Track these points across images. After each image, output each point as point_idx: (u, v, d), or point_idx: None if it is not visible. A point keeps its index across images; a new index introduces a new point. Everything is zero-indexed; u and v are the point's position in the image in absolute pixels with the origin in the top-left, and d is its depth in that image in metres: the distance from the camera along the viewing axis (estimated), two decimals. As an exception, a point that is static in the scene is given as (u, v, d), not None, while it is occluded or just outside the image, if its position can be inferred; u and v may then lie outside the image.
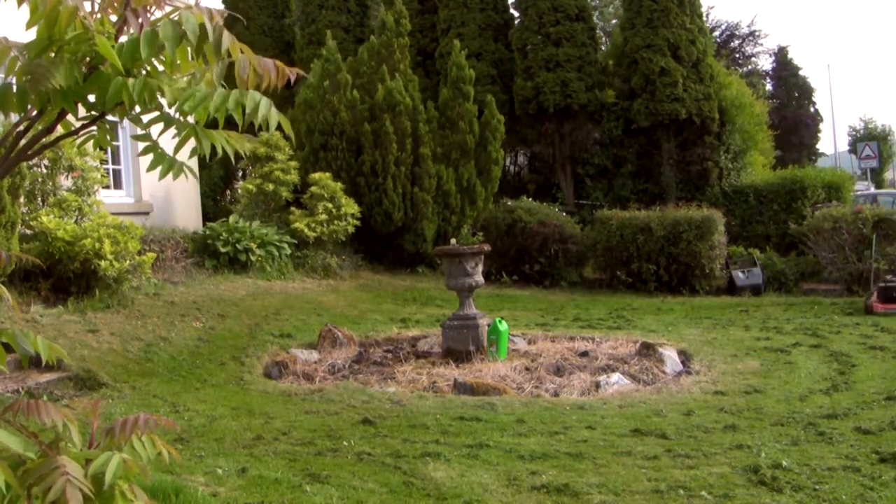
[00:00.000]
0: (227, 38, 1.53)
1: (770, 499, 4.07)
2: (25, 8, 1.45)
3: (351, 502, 4.14)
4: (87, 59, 1.46)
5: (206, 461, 4.74)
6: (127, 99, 1.44)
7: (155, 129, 1.78)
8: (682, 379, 7.03)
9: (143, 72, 1.53)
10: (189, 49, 1.50)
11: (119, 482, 1.79)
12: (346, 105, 13.64)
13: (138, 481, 1.93)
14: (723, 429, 5.35)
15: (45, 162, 9.14)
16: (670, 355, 7.62)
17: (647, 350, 7.70)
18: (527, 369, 7.31)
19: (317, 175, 12.68)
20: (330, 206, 12.47)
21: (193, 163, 1.93)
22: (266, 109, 1.64)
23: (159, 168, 1.72)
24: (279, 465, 4.67)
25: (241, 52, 1.58)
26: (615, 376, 6.89)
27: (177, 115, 1.68)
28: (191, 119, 1.70)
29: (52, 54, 1.43)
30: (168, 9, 1.56)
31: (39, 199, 9.21)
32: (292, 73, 1.69)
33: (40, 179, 9.17)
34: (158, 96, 1.55)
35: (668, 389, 6.63)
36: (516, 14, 18.82)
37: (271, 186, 12.41)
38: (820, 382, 6.72)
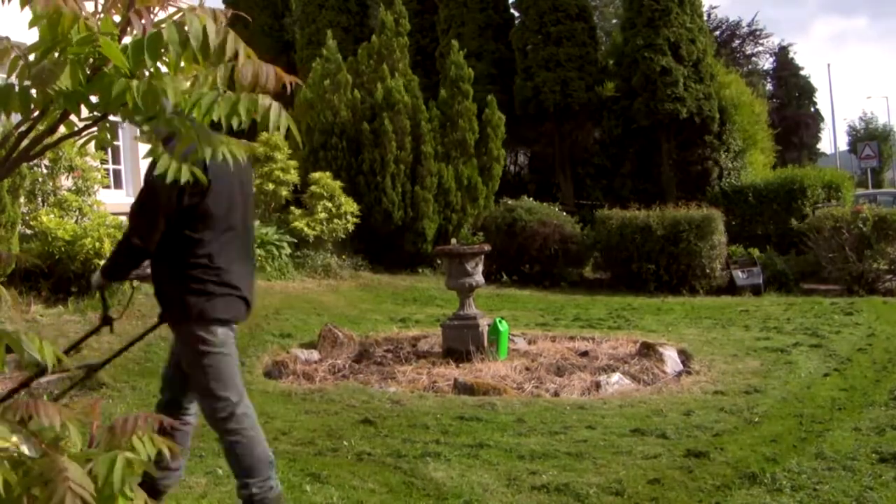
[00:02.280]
0: (232, 40, 1.53)
1: (770, 498, 4.07)
2: (28, 8, 1.45)
3: (351, 502, 4.14)
4: (91, 60, 1.46)
5: (206, 461, 4.75)
6: (131, 101, 1.44)
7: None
8: (682, 379, 7.03)
9: (147, 74, 1.53)
10: (194, 53, 1.50)
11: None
12: (347, 104, 13.65)
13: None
14: (722, 429, 5.35)
15: (46, 162, 9.15)
16: (670, 355, 7.62)
17: (648, 350, 7.70)
18: (527, 369, 7.31)
19: (316, 174, 12.69)
20: (329, 205, 12.48)
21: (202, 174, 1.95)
22: (277, 114, 1.64)
23: (168, 175, 1.73)
24: (279, 465, 4.67)
25: (248, 56, 1.58)
26: (615, 376, 6.89)
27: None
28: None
29: (57, 55, 1.43)
30: (172, 10, 1.56)
31: (39, 198, 9.21)
32: (290, 80, 1.69)
33: (41, 179, 9.17)
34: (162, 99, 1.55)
35: (669, 389, 6.63)
36: (516, 14, 18.83)
37: (271, 186, 12.41)
38: (820, 382, 6.73)
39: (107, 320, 3.77)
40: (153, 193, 3.41)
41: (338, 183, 12.73)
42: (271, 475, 3.59)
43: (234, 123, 1.64)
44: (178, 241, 3.48)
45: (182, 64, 1.50)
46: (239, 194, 3.63)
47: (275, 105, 1.64)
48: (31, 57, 1.48)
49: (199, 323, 3.54)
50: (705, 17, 19.33)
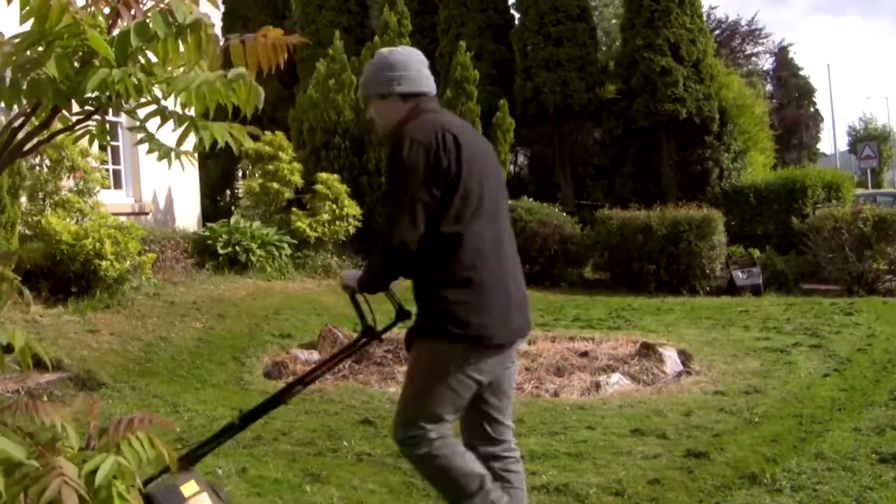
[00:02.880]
0: (204, 21, 1.53)
1: (770, 498, 4.06)
2: (16, 4, 1.45)
3: (351, 502, 4.13)
4: (80, 53, 1.46)
5: (205, 461, 4.73)
6: (111, 88, 1.43)
7: (154, 126, 1.77)
8: (682, 379, 7.02)
9: (138, 65, 1.53)
10: (178, 39, 1.50)
11: (116, 483, 1.78)
12: (351, 104, 13.66)
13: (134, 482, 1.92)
14: (722, 429, 5.35)
15: (48, 162, 9.15)
16: (670, 355, 7.61)
17: (647, 350, 7.69)
18: (527, 369, 7.30)
19: (324, 175, 12.67)
20: (334, 206, 12.48)
21: (194, 159, 1.93)
22: (246, 80, 1.63)
23: (163, 163, 1.72)
24: (279, 466, 4.67)
25: (209, 35, 1.57)
26: (615, 376, 6.88)
27: (176, 108, 1.67)
28: (190, 112, 1.69)
29: (42, 48, 1.43)
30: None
31: (41, 199, 9.21)
32: (291, 40, 1.68)
33: (42, 180, 9.17)
34: (154, 89, 1.55)
35: (668, 389, 6.62)
36: (517, 14, 18.82)
37: (276, 185, 12.40)
38: (820, 382, 6.72)
39: (368, 332, 3.37)
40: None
41: (343, 186, 12.72)
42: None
43: (227, 99, 1.63)
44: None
45: (170, 54, 1.50)
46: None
47: (246, 72, 1.63)
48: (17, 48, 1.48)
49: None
50: (705, 18, 19.32)
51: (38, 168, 9.05)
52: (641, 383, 6.90)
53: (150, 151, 1.67)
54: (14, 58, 1.42)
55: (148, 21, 1.42)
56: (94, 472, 1.71)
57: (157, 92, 1.61)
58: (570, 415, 5.79)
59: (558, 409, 5.97)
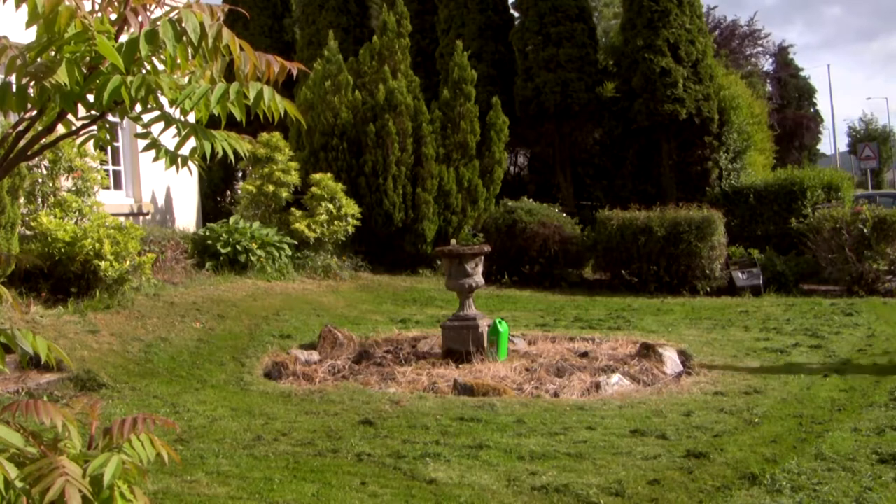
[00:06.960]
0: (227, 35, 1.53)
1: (770, 499, 4.07)
2: (24, 8, 1.45)
3: (351, 503, 4.14)
4: (87, 59, 1.46)
5: (206, 462, 4.74)
6: (126, 96, 1.44)
7: (156, 130, 1.78)
8: (682, 379, 7.02)
9: (144, 71, 1.53)
10: (189, 48, 1.50)
11: (118, 483, 1.79)
12: (348, 106, 13.64)
13: (137, 482, 1.93)
14: (722, 429, 5.35)
15: (45, 163, 9.14)
16: (670, 356, 7.61)
17: (647, 351, 7.70)
18: (527, 370, 7.31)
19: (318, 175, 12.69)
20: (330, 206, 12.48)
21: (196, 164, 1.93)
22: (270, 96, 1.64)
23: (162, 163, 1.72)
24: (279, 466, 4.67)
25: (242, 48, 1.58)
26: (615, 377, 6.88)
27: (177, 115, 1.68)
28: (191, 118, 1.70)
29: (53, 54, 1.43)
30: (168, 7, 1.56)
31: (39, 199, 9.20)
32: (293, 67, 1.69)
33: (40, 180, 9.16)
34: (159, 95, 1.55)
35: (668, 390, 6.63)
36: (516, 15, 18.83)
37: (271, 188, 12.39)
38: (819, 383, 6.72)
39: None
40: None
41: (339, 185, 12.72)
42: None
43: (237, 113, 1.63)
44: None
45: (178, 61, 1.50)
46: None
47: (267, 88, 1.64)
48: (29, 56, 1.48)
49: None
50: (704, 18, 19.32)
51: (35, 168, 9.04)
52: (641, 384, 6.91)
53: (156, 159, 1.67)
54: (18, 62, 1.43)
55: (157, 29, 1.42)
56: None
57: (162, 98, 1.61)
58: (570, 415, 5.80)
59: (558, 409, 5.97)
